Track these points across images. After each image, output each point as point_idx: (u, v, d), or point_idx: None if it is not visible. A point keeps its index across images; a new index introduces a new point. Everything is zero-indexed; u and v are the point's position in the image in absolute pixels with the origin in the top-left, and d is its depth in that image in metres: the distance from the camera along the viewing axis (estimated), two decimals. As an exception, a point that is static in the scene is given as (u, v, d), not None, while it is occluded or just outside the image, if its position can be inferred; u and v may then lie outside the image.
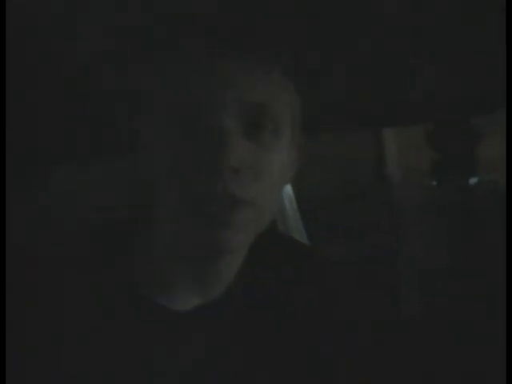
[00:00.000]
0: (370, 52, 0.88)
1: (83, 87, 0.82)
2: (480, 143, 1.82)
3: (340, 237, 1.84)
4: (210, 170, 0.63)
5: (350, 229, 1.90)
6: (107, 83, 0.81)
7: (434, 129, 1.85)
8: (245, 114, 0.65)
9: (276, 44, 0.71)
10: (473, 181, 1.84)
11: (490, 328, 1.43)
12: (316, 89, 0.86)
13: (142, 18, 0.68)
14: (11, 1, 0.63)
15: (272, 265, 0.78)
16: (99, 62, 0.75)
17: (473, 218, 1.78)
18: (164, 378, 0.70)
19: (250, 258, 0.75)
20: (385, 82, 1.02)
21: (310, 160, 0.79)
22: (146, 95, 0.70)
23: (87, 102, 0.87)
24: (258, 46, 0.69)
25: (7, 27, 0.65)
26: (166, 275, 0.72)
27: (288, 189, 1.29)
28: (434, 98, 1.10)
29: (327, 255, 0.91)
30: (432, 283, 1.80)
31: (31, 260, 0.71)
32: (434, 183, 1.95)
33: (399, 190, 2.04)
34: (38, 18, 0.66)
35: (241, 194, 0.64)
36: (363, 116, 1.19)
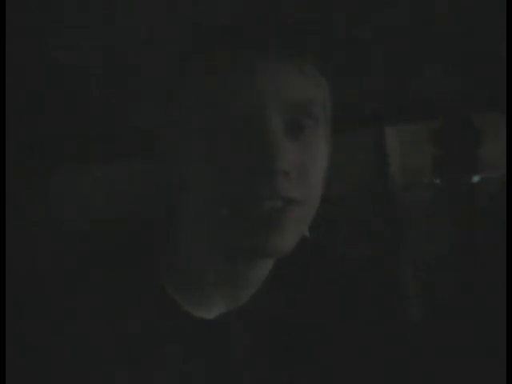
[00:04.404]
0: (371, 50, 0.88)
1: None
2: (482, 141, 1.82)
3: (341, 235, 1.84)
4: (259, 175, 0.62)
5: (352, 227, 1.89)
6: (147, 84, 0.81)
7: (436, 126, 1.85)
8: (287, 114, 0.64)
9: (303, 40, 0.71)
10: (475, 179, 1.84)
11: (491, 328, 1.43)
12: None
13: (179, 20, 0.68)
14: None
15: (295, 267, 0.77)
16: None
17: (475, 216, 1.78)
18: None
19: (275, 262, 0.74)
20: (387, 80, 1.02)
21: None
22: (184, 98, 0.68)
23: (127, 101, 0.87)
24: (291, 45, 0.68)
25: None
26: (196, 279, 0.71)
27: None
28: (436, 96, 1.10)
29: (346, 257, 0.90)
30: (433, 281, 1.80)
31: (55, 257, 0.71)
32: (437, 181, 1.94)
33: (401, 187, 2.04)
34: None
35: (290, 196, 0.63)
36: (365, 114, 1.19)
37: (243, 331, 0.73)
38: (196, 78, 0.67)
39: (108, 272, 0.69)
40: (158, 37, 0.71)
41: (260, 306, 0.74)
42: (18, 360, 0.64)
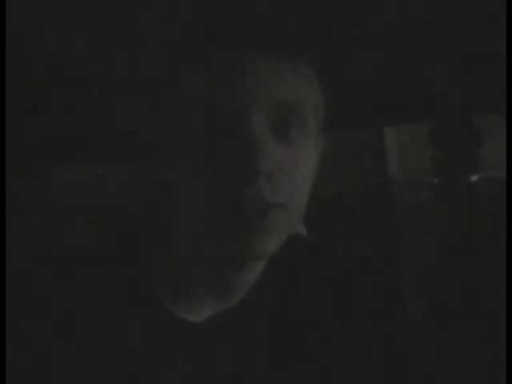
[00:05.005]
0: (371, 51, 0.88)
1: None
2: (482, 141, 1.82)
3: (340, 235, 1.84)
4: (243, 176, 0.61)
5: (351, 227, 1.90)
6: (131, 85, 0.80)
7: (435, 127, 1.85)
8: (273, 114, 0.63)
9: (300, 40, 0.70)
10: (473, 179, 1.84)
11: (490, 328, 1.43)
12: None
13: (168, 20, 0.68)
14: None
15: (293, 267, 0.77)
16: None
17: (475, 216, 1.78)
18: None
19: (268, 263, 0.73)
20: (387, 80, 1.02)
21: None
22: (171, 98, 0.68)
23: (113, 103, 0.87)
24: (283, 43, 0.66)
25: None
26: (185, 281, 0.71)
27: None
28: (436, 96, 1.10)
29: (342, 257, 0.90)
30: (433, 281, 1.80)
31: (51, 258, 0.71)
32: (437, 181, 1.94)
33: (400, 187, 2.04)
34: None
35: (274, 198, 0.62)
36: (365, 114, 1.19)
37: (237, 332, 0.72)
38: (190, 79, 0.66)
39: (107, 272, 0.69)
40: (158, 37, 0.71)
41: (256, 307, 0.73)
42: (18, 360, 0.65)
